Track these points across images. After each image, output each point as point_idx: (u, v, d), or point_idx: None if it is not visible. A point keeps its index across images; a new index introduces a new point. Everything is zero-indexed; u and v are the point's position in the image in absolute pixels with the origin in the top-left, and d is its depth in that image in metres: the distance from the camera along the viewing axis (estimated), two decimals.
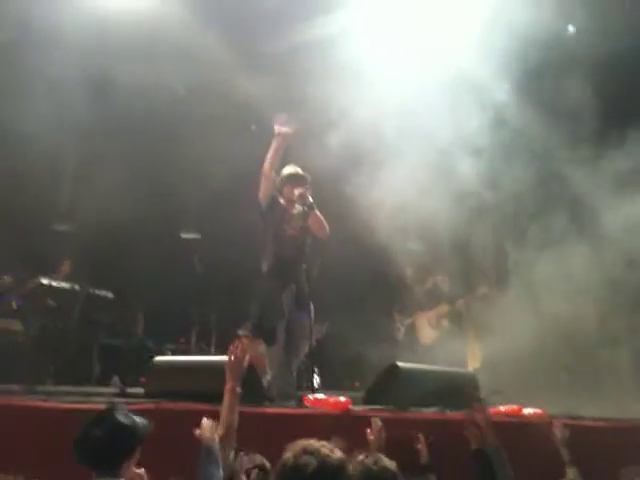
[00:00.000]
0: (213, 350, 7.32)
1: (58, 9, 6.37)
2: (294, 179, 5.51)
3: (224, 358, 3.42)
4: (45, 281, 6.69)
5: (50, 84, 6.52)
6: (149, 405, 3.86)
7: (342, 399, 4.12)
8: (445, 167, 6.35)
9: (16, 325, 6.77)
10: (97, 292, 7.00)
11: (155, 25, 6.70)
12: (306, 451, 2.13)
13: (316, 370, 6.18)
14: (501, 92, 6.76)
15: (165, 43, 6.80)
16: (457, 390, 4.55)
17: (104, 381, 6.73)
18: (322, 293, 5.64)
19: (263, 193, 5.37)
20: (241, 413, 3.58)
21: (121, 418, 2.73)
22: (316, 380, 6.14)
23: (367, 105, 6.16)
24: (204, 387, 3.72)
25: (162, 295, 7.52)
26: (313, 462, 2.09)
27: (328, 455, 2.15)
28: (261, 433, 3.47)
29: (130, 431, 2.69)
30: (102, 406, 4.10)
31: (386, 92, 6.25)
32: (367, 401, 4.58)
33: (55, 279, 6.84)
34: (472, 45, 6.50)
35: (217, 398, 3.35)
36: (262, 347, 5.83)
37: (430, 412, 4.30)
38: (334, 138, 6.10)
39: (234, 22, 6.95)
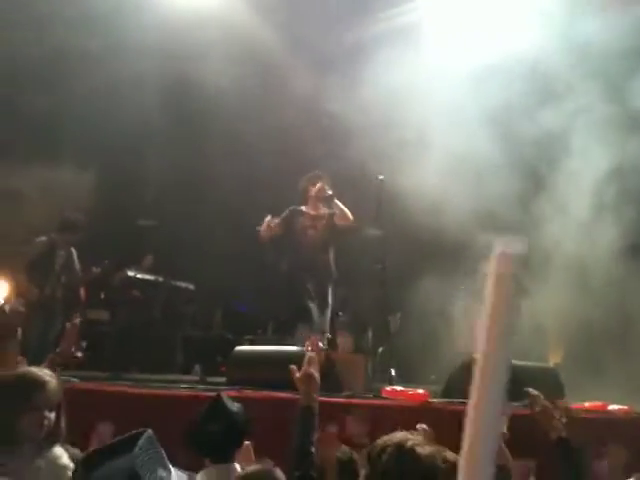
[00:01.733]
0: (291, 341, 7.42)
1: (136, 16, 6.61)
2: (310, 179, 5.83)
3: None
4: (131, 273, 6.98)
5: (133, 88, 6.81)
6: (231, 392, 3.95)
7: (420, 391, 4.10)
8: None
9: (104, 315, 7.11)
10: (179, 284, 7.24)
11: (225, 26, 6.83)
12: (404, 452, 2.07)
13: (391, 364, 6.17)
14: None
15: (235, 43, 6.91)
16: (537, 385, 4.42)
17: (186, 369, 6.95)
18: (394, 283, 5.68)
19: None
20: (320, 402, 3.62)
21: (233, 408, 2.76)
22: (392, 372, 6.13)
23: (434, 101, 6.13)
24: (284, 376, 3.78)
25: (240, 287, 7.68)
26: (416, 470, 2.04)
27: (430, 456, 2.09)
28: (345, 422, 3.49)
29: (243, 419, 2.75)
30: (186, 392, 4.32)
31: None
32: (445, 394, 4.54)
33: (139, 271, 7.12)
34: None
35: (287, 385, 3.36)
36: (349, 342, 5.94)
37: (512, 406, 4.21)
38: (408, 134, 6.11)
39: (299, 21, 7.03)
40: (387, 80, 6.26)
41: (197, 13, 6.92)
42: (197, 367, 6.73)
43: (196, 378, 6.32)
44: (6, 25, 6.50)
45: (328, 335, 5.66)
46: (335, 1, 7.21)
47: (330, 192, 5.66)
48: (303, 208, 5.87)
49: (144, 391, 4.69)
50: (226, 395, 2.91)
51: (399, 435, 2.17)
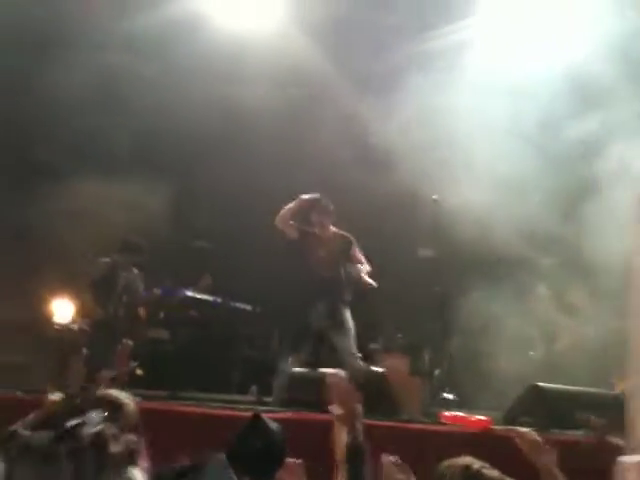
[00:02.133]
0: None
1: (188, 40, 6.80)
2: (310, 204, 5.70)
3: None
4: (190, 293, 7.10)
5: (186, 110, 7.00)
6: (288, 414, 3.97)
7: (482, 417, 4.00)
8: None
9: (164, 334, 7.25)
10: (237, 305, 7.33)
11: (276, 49, 6.94)
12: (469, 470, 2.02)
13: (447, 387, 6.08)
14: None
15: (282, 66, 7.01)
16: (604, 413, 4.27)
17: (242, 390, 6.99)
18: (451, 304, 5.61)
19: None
20: (377, 426, 3.59)
21: (273, 427, 2.79)
22: (448, 396, 6.02)
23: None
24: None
25: (296, 309, 7.69)
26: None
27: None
28: (400, 448, 3.42)
29: (282, 439, 2.75)
30: (241, 413, 4.34)
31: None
32: (507, 421, 4.42)
33: (197, 291, 7.24)
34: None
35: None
36: (405, 363, 5.87)
37: (575, 435, 4.07)
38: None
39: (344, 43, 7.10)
40: (431, 100, 6.27)
41: (245, 37, 7.08)
42: (254, 387, 6.77)
43: (252, 398, 6.37)
44: (64, 49, 6.78)
45: (358, 355, 5.52)
46: (379, 24, 7.25)
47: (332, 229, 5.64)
48: (315, 230, 5.73)
49: (204, 410, 4.76)
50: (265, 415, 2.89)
51: (465, 458, 2.13)
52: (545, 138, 6.44)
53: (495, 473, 2.06)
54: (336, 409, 2.91)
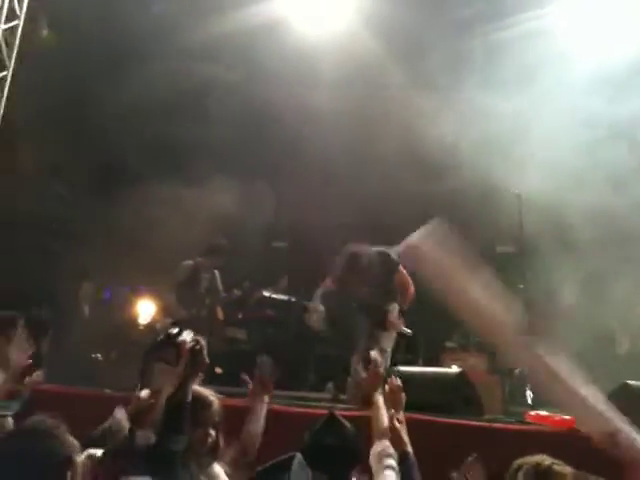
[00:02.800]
0: (421, 361, 7.31)
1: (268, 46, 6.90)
2: None
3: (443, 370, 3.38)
4: (266, 293, 7.23)
5: (263, 114, 7.10)
6: (363, 411, 3.95)
7: (567, 417, 3.87)
8: None
9: (241, 334, 7.41)
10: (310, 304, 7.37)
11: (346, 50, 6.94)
12: (539, 472, 2.03)
13: (529, 385, 5.91)
14: None
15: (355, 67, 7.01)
16: None
17: (319, 388, 7.04)
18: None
19: None
20: (458, 425, 3.54)
21: (346, 424, 2.82)
22: (529, 396, 5.86)
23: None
24: (418, 397, 3.73)
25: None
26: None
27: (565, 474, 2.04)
28: (486, 447, 3.36)
29: (356, 436, 2.78)
30: (318, 411, 4.38)
31: None
32: None
33: (274, 292, 7.37)
34: None
35: (429, 408, 3.32)
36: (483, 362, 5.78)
37: None
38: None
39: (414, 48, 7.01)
40: (509, 95, 6.13)
41: (319, 41, 7.12)
42: (330, 385, 6.80)
43: (329, 396, 6.40)
44: (148, 60, 7.04)
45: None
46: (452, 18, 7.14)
47: None
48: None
49: (281, 408, 4.83)
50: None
51: (538, 456, 2.13)
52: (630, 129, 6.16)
53: (567, 469, 2.05)
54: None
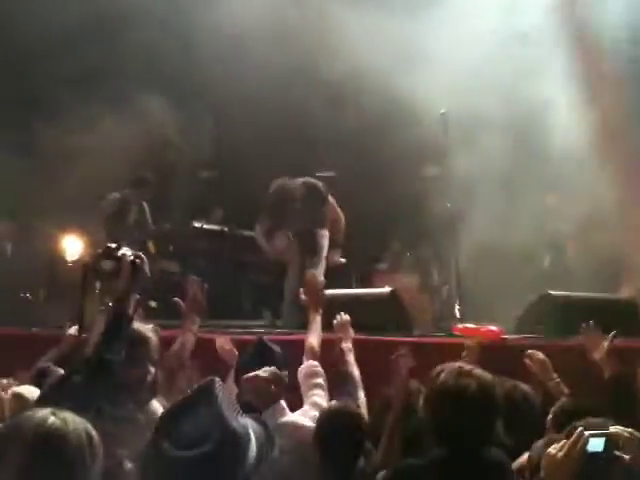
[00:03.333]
0: (354, 284, 7.45)
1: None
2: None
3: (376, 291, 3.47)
4: (197, 224, 7.12)
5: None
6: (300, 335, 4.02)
7: (494, 328, 4.06)
8: None
9: (174, 267, 7.31)
10: (243, 233, 7.34)
11: None
12: (462, 373, 2.14)
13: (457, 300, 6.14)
14: None
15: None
16: (616, 317, 4.31)
17: (256, 316, 7.10)
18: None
19: None
20: (391, 342, 3.66)
21: (276, 349, 2.97)
22: (457, 309, 6.09)
23: None
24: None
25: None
26: (473, 383, 2.10)
27: (485, 377, 2.16)
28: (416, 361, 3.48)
29: (284, 359, 2.88)
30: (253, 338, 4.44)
31: None
32: (519, 330, 4.49)
33: (205, 222, 7.26)
34: None
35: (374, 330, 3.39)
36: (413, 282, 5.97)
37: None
38: None
39: None
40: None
41: None
42: (267, 312, 6.88)
43: (266, 323, 6.48)
44: None
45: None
46: None
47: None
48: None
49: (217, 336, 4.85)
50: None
51: (457, 363, 2.24)
52: None
53: (487, 375, 2.17)
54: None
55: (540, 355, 3.35)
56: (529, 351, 3.41)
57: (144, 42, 6.63)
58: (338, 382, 3.26)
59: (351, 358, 3.34)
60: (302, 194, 5.64)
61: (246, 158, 6.88)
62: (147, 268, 2.26)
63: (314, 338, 3.28)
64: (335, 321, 3.50)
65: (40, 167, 6.80)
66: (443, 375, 2.16)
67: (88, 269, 2.28)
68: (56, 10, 6.35)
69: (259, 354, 2.94)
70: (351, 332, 3.48)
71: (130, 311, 2.19)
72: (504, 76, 6.13)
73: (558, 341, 4.04)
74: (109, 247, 2.28)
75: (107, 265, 2.24)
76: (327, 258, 5.81)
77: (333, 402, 2.96)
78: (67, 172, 6.62)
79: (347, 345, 3.40)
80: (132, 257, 2.22)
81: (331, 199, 5.84)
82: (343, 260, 5.99)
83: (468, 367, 2.22)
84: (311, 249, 5.75)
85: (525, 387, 2.98)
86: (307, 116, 6.79)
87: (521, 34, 6.31)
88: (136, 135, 6.72)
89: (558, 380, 3.26)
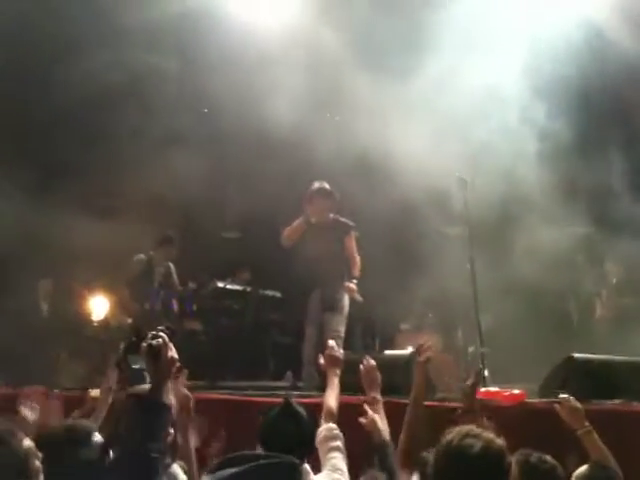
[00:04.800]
0: (378, 345, 7.41)
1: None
2: (319, 193, 5.91)
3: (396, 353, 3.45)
4: (220, 284, 7.20)
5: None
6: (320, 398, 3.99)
7: (516, 391, 4.00)
8: None
9: (197, 325, 7.37)
10: (267, 293, 7.41)
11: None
12: (469, 434, 2.11)
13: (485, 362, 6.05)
14: None
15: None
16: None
17: (277, 376, 7.07)
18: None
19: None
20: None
21: (303, 411, 2.86)
22: (485, 373, 6.00)
23: None
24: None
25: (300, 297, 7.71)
26: (478, 444, 2.06)
27: (492, 440, 2.12)
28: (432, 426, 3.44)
29: (312, 423, 2.82)
30: (278, 399, 4.41)
31: None
32: (543, 394, 4.40)
33: (230, 283, 7.34)
34: None
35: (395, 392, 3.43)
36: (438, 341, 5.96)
37: (613, 404, 4.04)
38: None
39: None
40: None
41: (263, 30, 7.02)
42: (289, 373, 6.84)
43: (287, 384, 6.44)
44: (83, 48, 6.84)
45: (341, 335, 5.75)
46: None
47: (332, 215, 5.89)
48: (312, 218, 5.90)
49: (240, 398, 4.85)
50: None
51: (466, 426, 2.20)
52: None
53: (497, 439, 2.13)
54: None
55: (573, 401, 3.24)
56: (561, 396, 3.31)
57: (164, 101, 6.91)
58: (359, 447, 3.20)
59: (381, 412, 3.25)
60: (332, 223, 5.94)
61: (270, 219, 7.00)
62: (174, 352, 2.23)
63: (332, 400, 3.24)
64: (361, 366, 3.43)
65: (69, 225, 6.99)
66: (451, 435, 2.14)
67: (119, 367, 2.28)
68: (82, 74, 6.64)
69: (285, 414, 2.91)
70: (379, 378, 3.41)
71: (166, 400, 2.12)
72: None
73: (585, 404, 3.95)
74: (132, 342, 2.28)
75: (134, 361, 2.27)
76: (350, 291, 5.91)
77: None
78: (95, 230, 6.80)
79: (376, 396, 3.31)
80: (156, 345, 2.17)
81: (353, 234, 6.00)
82: (360, 298, 5.99)
83: (479, 429, 2.18)
84: (331, 307, 5.78)
85: (551, 460, 2.78)
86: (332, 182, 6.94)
87: None
88: (161, 194, 6.91)
89: (590, 428, 3.13)
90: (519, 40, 6.59)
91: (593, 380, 4.14)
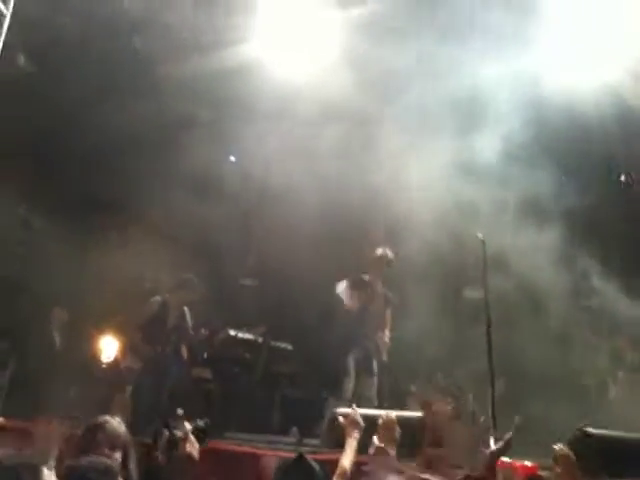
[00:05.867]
0: (385, 404, 7.28)
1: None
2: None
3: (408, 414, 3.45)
4: (232, 333, 7.17)
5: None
6: (331, 455, 3.93)
7: (529, 463, 3.90)
8: None
9: (206, 373, 7.30)
10: (278, 344, 7.36)
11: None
12: None
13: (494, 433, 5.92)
14: None
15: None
16: None
17: (283, 430, 6.95)
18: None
19: None
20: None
21: (315, 467, 2.88)
22: (493, 442, 5.86)
23: None
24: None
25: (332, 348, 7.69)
26: None
27: None
28: None
29: (325, 478, 2.82)
30: (283, 454, 4.36)
31: None
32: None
33: (243, 332, 7.31)
34: None
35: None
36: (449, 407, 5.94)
37: None
38: None
39: None
40: None
41: (296, 81, 7.22)
42: (294, 429, 6.72)
43: (293, 440, 6.32)
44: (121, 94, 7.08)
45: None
46: None
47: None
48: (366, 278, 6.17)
49: (247, 449, 4.79)
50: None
51: None
52: None
53: None
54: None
55: (565, 451, 3.22)
56: (556, 447, 3.27)
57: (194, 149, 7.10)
58: None
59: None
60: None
61: (288, 269, 7.03)
62: (196, 452, 2.31)
63: (347, 460, 3.30)
64: (380, 420, 3.53)
65: (88, 265, 7.07)
66: None
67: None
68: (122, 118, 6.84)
69: (299, 468, 2.92)
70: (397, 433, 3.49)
71: None
72: None
73: None
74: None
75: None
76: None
77: None
78: (114, 268, 6.86)
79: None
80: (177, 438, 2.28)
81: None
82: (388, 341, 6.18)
83: None
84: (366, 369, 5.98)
85: None
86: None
87: None
88: (179, 238, 7.00)
89: None
90: None
91: (607, 457, 4.04)
